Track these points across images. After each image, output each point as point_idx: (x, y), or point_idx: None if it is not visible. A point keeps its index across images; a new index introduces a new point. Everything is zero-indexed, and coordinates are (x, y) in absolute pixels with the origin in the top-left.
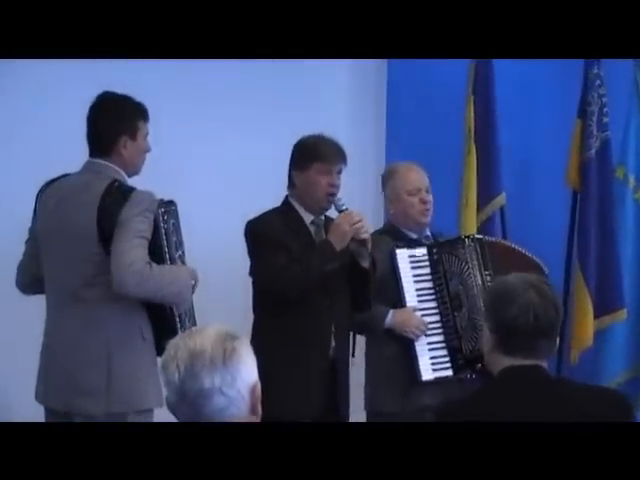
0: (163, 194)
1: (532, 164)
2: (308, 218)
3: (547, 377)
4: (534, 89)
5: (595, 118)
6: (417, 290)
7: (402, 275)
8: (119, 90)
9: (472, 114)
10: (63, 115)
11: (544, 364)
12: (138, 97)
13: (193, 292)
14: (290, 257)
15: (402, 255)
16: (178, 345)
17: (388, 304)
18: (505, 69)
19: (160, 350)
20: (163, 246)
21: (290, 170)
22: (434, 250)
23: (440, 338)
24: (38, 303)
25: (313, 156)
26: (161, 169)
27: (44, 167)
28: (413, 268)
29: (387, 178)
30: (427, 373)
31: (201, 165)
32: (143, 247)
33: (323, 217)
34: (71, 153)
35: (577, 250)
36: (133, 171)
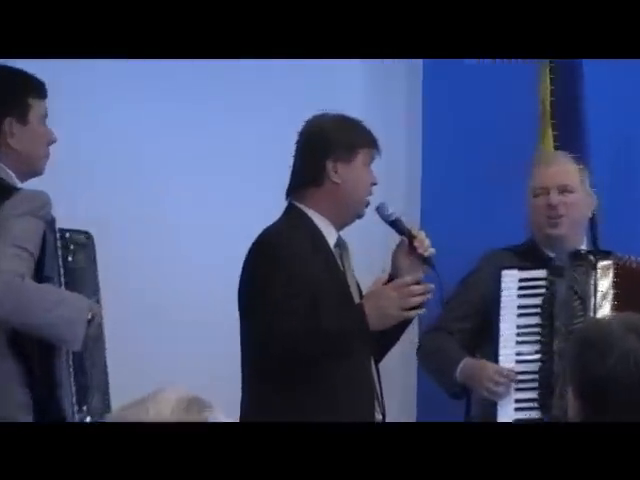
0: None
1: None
2: (331, 237)
3: None
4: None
5: None
6: (518, 327)
7: (503, 304)
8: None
9: (548, 85)
10: None
11: None
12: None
13: (91, 333)
14: (312, 297)
15: (510, 278)
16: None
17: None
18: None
19: None
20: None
21: (318, 162)
22: (552, 274)
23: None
24: None
25: (360, 140)
26: (149, 170)
27: None
28: (520, 297)
29: None
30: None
31: (207, 169)
32: (19, 259)
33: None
34: None
35: None
36: (30, 169)
